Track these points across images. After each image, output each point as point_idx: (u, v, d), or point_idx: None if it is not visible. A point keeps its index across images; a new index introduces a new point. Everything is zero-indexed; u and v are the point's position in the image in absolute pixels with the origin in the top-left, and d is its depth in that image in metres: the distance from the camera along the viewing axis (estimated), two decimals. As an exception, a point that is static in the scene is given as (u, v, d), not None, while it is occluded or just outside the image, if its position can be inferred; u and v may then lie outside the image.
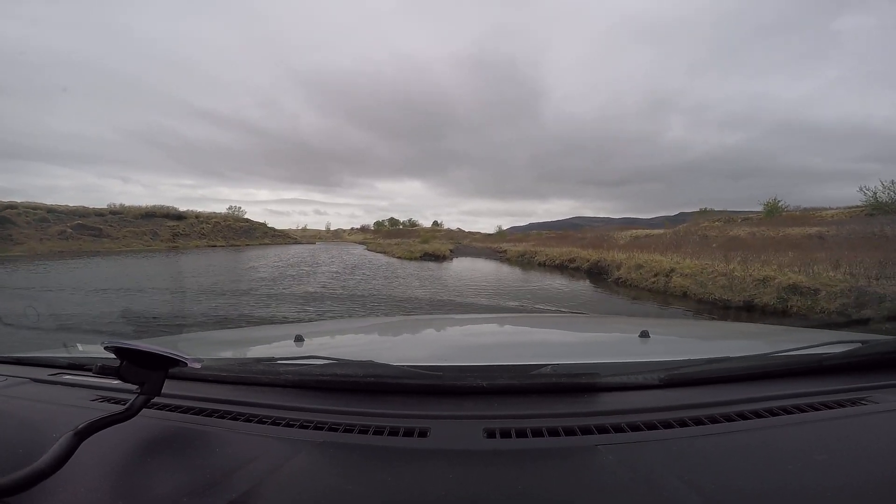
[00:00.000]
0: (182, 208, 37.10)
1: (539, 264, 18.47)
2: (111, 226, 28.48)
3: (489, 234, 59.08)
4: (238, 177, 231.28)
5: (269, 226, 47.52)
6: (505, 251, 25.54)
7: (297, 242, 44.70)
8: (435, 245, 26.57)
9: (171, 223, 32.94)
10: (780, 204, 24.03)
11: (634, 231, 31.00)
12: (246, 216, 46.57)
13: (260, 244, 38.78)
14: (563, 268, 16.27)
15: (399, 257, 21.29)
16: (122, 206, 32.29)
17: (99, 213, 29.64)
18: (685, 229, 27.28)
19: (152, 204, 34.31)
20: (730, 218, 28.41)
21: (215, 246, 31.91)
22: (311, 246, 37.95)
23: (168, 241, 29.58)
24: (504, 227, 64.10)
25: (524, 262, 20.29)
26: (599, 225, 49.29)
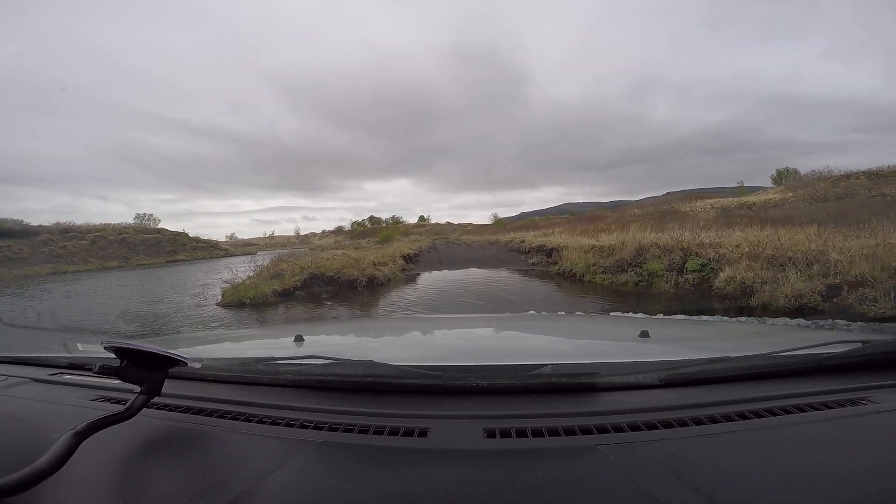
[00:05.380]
0: (168, 225, 32.52)
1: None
2: None
3: (484, 225, 48.33)
4: (220, 188, 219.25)
5: (191, 236, 36.64)
6: (547, 249, 12.28)
7: (228, 255, 33.67)
8: (373, 253, 13.89)
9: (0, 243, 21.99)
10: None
11: (713, 201, 20.26)
12: (160, 226, 35.71)
13: (168, 261, 27.91)
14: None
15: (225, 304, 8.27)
16: None
17: None
18: (806, 193, 16.80)
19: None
20: (875, 172, 18.25)
21: (66, 272, 21.07)
22: (215, 262, 26.12)
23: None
24: (499, 217, 53.56)
25: (684, 289, 7.39)
26: (590, 209, 39.24)
